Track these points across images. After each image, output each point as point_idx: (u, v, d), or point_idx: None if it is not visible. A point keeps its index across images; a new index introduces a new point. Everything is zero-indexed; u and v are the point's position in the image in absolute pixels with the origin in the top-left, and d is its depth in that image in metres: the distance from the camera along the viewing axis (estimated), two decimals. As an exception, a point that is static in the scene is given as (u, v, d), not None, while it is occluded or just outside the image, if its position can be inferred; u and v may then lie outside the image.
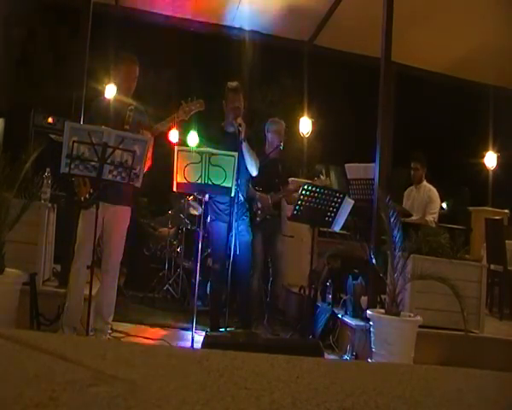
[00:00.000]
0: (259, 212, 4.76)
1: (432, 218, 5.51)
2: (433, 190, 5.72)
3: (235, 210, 4.09)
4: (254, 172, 4.34)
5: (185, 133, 8.48)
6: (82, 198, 3.69)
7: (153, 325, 4.83)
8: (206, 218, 4.42)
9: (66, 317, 3.69)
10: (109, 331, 4.04)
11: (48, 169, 4.14)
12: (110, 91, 5.56)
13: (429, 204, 5.61)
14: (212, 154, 3.77)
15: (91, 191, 3.65)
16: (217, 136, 4.31)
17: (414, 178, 5.83)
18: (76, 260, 3.71)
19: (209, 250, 5.69)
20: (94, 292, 3.57)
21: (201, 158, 3.74)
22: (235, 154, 3.79)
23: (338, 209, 4.18)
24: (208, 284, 5.48)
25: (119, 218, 3.79)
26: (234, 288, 4.45)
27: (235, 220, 4.09)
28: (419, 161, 5.82)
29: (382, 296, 4.39)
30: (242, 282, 4.37)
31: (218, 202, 4.30)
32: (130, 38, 8.46)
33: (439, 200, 5.73)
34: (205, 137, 4.47)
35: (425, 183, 5.80)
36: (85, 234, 3.66)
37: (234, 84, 4.42)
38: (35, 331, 3.39)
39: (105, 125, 3.50)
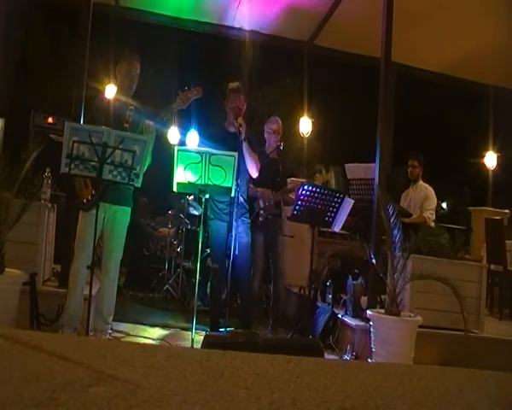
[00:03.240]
0: (262, 212, 4.75)
1: (429, 214, 5.52)
2: (430, 188, 5.74)
3: (235, 210, 4.08)
4: (254, 174, 4.32)
5: (185, 133, 8.49)
6: (84, 200, 3.69)
7: (153, 325, 4.83)
8: (206, 217, 4.42)
9: (66, 317, 3.68)
10: (109, 331, 4.04)
11: (48, 169, 4.14)
12: (110, 91, 5.56)
13: (425, 201, 5.63)
14: (212, 154, 3.77)
15: (93, 193, 3.65)
16: (218, 136, 4.30)
17: (411, 176, 5.86)
18: (75, 261, 3.71)
19: (208, 250, 5.70)
20: (94, 292, 3.57)
21: (201, 158, 3.74)
22: (235, 154, 3.78)
23: (338, 209, 4.18)
24: (208, 284, 5.48)
25: (119, 218, 3.79)
26: (234, 288, 4.45)
27: (234, 220, 4.09)
28: (416, 159, 5.85)
29: (382, 296, 4.39)
30: (243, 282, 4.37)
31: (218, 201, 4.30)
32: (130, 38, 8.46)
33: (435, 198, 5.74)
34: (206, 137, 4.47)
35: (421, 182, 5.82)
36: (85, 235, 3.66)
37: (234, 84, 4.42)
38: (35, 331, 3.39)
39: (105, 124, 3.49)
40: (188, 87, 3.80)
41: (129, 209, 3.88)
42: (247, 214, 4.44)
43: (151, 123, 3.73)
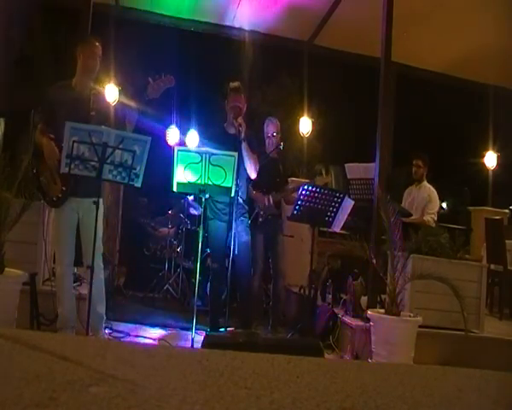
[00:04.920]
0: (262, 212, 4.75)
1: (430, 218, 5.51)
2: (433, 190, 5.74)
3: (234, 210, 4.08)
4: (253, 175, 4.30)
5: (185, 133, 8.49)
6: (54, 198, 3.61)
7: (153, 325, 4.83)
8: (206, 217, 4.43)
9: (61, 321, 3.63)
10: (107, 331, 4.02)
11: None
12: (110, 91, 5.54)
13: (429, 203, 5.62)
14: (212, 154, 3.77)
15: (63, 189, 3.58)
16: (218, 136, 4.30)
17: (415, 175, 5.83)
18: (58, 265, 3.66)
19: (208, 250, 5.70)
20: (83, 291, 3.53)
21: (201, 158, 3.74)
22: (235, 154, 3.78)
23: (338, 209, 4.18)
24: (208, 284, 5.48)
25: (93, 211, 3.56)
26: (234, 288, 4.45)
27: (234, 221, 4.09)
28: (421, 159, 5.83)
29: (382, 296, 4.39)
30: (242, 282, 4.37)
31: (217, 201, 4.30)
32: (130, 38, 8.46)
33: (438, 201, 5.74)
34: (206, 138, 4.46)
35: (426, 183, 5.80)
36: (63, 234, 3.62)
37: (235, 83, 4.41)
38: (35, 331, 3.39)
39: (67, 114, 3.36)
40: (159, 76, 3.66)
41: (101, 200, 3.78)
42: (246, 214, 4.44)
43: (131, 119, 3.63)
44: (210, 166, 3.74)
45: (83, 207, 3.62)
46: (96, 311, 3.67)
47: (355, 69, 10.24)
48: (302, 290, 5.25)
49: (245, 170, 4.24)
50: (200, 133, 7.22)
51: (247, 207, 4.45)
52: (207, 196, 4.04)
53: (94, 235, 3.39)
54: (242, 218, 4.33)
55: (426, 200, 5.65)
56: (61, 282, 3.66)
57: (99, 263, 3.73)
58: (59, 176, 3.53)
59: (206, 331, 4.20)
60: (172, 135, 8.61)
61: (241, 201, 4.28)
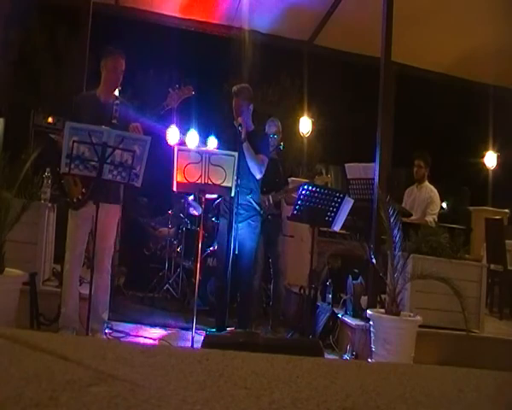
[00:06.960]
0: (262, 212, 4.74)
1: (431, 218, 5.50)
2: (435, 191, 5.71)
3: (239, 211, 4.07)
4: (258, 175, 4.29)
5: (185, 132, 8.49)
6: (74, 199, 3.66)
7: (153, 325, 4.83)
8: (207, 217, 4.42)
9: (63, 320, 3.66)
10: (107, 331, 4.02)
11: (48, 169, 4.14)
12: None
13: (430, 204, 5.61)
14: (212, 153, 3.77)
15: (84, 191, 3.63)
16: (231, 136, 4.31)
17: (416, 176, 5.81)
18: (67, 263, 3.69)
19: (210, 249, 5.72)
20: (87, 291, 3.55)
21: (201, 158, 3.74)
22: (235, 154, 3.78)
23: (338, 209, 4.18)
24: (208, 284, 5.49)
25: (109, 216, 3.70)
26: (235, 288, 4.45)
27: (240, 222, 4.08)
28: (423, 159, 5.80)
29: (382, 296, 4.39)
30: (243, 283, 4.37)
31: (227, 201, 4.31)
32: (130, 37, 8.46)
33: (439, 202, 5.73)
34: (222, 139, 4.47)
35: (427, 183, 5.78)
36: (76, 235, 3.66)
37: (233, 87, 4.47)
38: (35, 331, 3.39)
39: (91, 121, 3.43)
40: (179, 86, 3.78)
41: (119, 207, 3.84)
42: (256, 217, 4.34)
43: (138, 125, 3.67)
44: (210, 165, 3.74)
45: (100, 212, 3.61)
46: (99, 315, 3.70)
47: (355, 69, 10.24)
48: (302, 290, 5.25)
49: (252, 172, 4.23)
50: (217, 138, 7.23)
51: (258, 208, 4.37)
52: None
53: (94, 236, 3.41)
54: (250, 221, 4.28)
55: (427, 201, 5.63)
56: (68, 281, 3.69)
57: (109, 269, 3.77)
58: (80, 178, 3.58)
59: (206, 331, 4.20)
60: (172, 135, 8.61)
61: (252, 203, 4.25)
